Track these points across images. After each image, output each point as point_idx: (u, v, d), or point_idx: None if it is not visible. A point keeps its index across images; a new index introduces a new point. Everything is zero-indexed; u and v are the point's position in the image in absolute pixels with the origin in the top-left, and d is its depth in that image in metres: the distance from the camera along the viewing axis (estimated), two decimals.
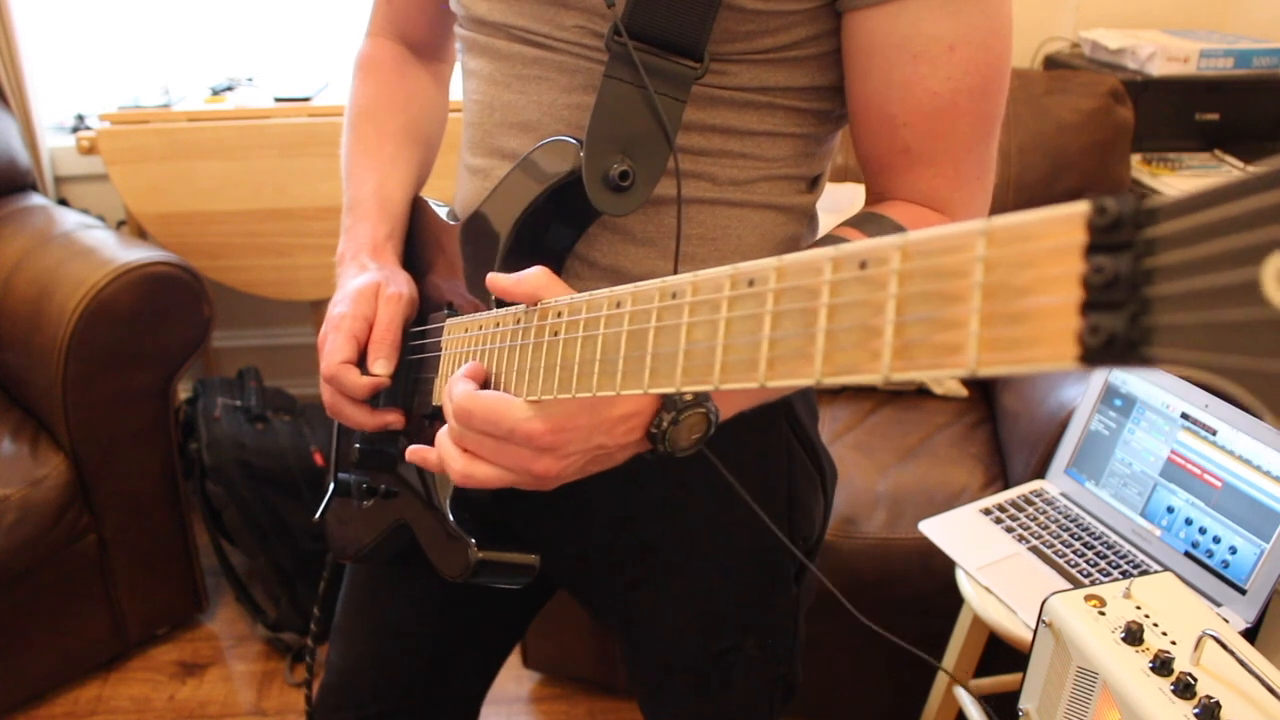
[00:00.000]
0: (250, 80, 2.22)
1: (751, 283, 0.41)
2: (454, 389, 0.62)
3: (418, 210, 0.87)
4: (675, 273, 0.69)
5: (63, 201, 2.22)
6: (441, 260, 0.81)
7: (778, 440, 0.82)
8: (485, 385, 0.65)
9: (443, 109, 0.96)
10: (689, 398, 0.61)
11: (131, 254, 1.70)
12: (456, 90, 0.97)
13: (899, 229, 0.67)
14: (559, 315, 0.57)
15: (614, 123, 0.67)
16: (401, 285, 0.79)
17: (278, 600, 1.89)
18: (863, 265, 0.35)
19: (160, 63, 2.26)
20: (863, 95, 0.69)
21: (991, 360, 0.30)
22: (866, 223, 0.70)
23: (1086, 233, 0.28)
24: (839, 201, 1.90)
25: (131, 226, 2.12)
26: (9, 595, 1.64)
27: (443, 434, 0.64)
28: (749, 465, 0.79)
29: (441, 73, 0.97)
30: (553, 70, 0.72)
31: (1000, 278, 0.30)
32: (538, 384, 0.58)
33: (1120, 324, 0.27)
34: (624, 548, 0.83)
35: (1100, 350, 0.27)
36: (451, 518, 0.73)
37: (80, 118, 2.26)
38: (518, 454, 0.60)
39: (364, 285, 0.78)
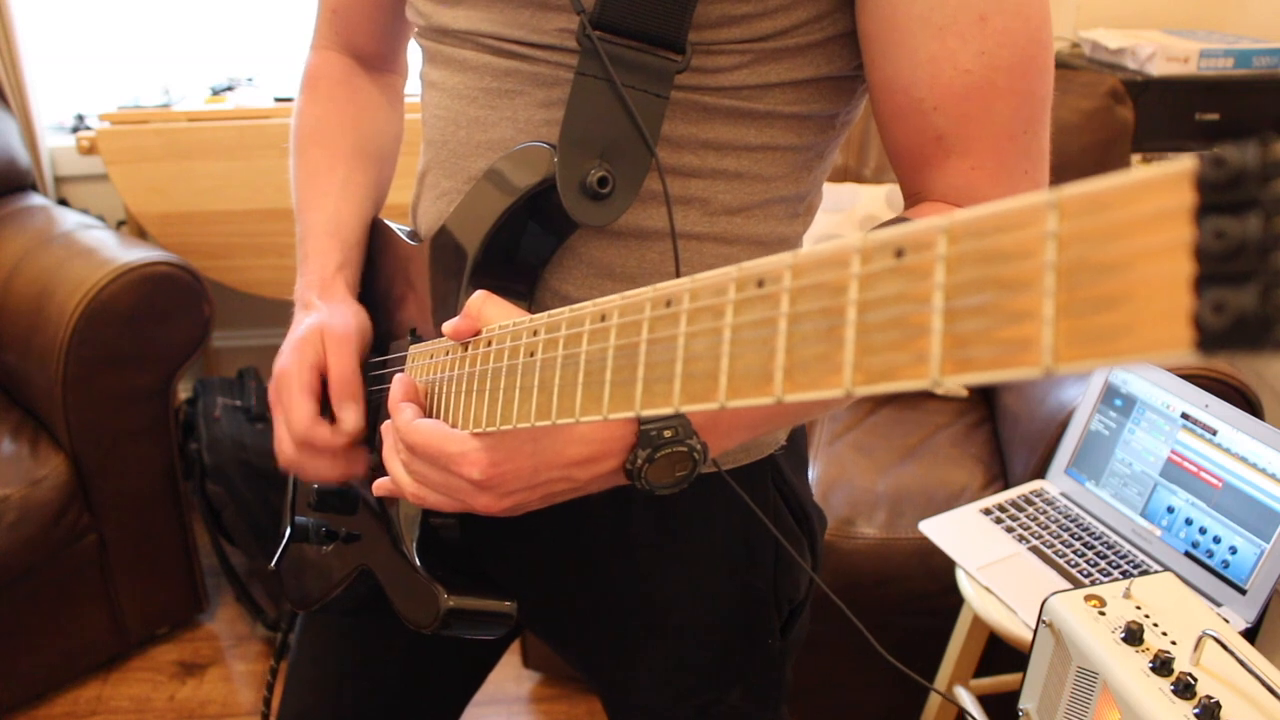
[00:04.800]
0: (250, 80, 2.22)
1: (761, 283, 0.35)
2: (398, 416, 0.60)
3: (377, 233, 0.82)
4: (676, 272, 0.66)
5: (63, 201, 2.22)
6: (404, 285, 0.76)
7: (765, 503, 0.77)
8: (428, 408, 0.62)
9: (397, 124, 0.90)
10: (668, 434, 0.57)
11: (131, 254, 1.70)
12: (410, 90, 0.92)
13: None
14: (488, 344, 0.54)
15: (589, 124, 0.62)
16: (349, 319, 0.74)
17: (278, 600, 1.89)
18: (899, 254, 0.30)
19: (160, 63, 2.27)
20: (885, 78, 0.62)
21: (1075, 354, 0.25)
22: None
23: (1196, 192, 0.23)
24: (839, 201, 1.90)
25: (131, 226, 2.12)
26: (9, 595, 1.64)
27: (391, 455, 0.61)
28: (735, 529, 0.77)
29: (394, 85, 0.91)
30: (528, 83, 0.66)
31: (1078, 255, 0.25)
32: (470, 414, 0.55)
33: (1251, 300, 0.22)
34: (605, 604, 0.80)
35: (1226, 332, 0.23)
36: (419, 563, 0.68)
37: (80, 118, 2.26)
38: (457, 487, 0.57)
39: (307, 331, 0.73)
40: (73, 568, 1.72)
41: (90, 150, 2.03)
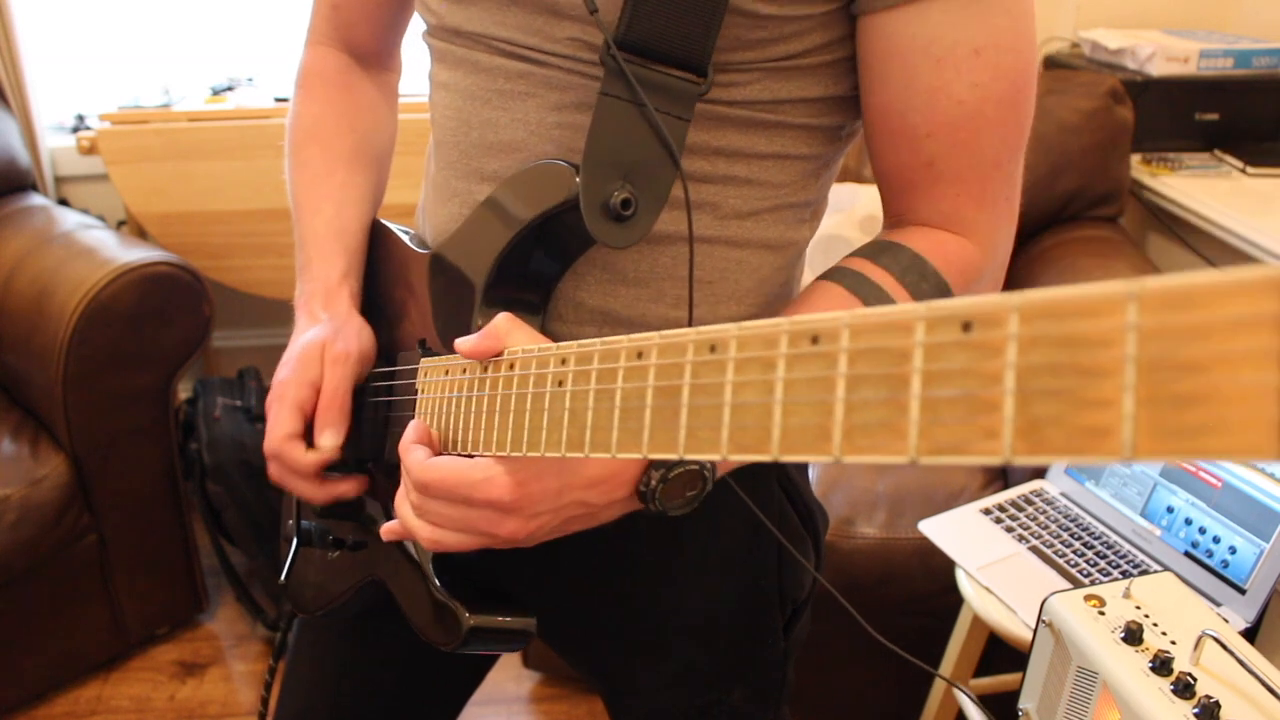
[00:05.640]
0: (250, 80, 2.22)
1: (816, 339, 0.34)
2: (408, 457, 0.59)
3: (379, 237, 0.81)
4: (689, 315, 0.67)
5: (63, 201, 2.22)
6: (409, 293, 0.75)
7: (770, 504, 0.77)
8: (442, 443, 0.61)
9: (393, 124, 0.89)
10: None
11: (131, 254, 1.70)
12: (409, 90, 0.92)
13: (918, 259, 0.64)
14: (510, 368, 0.53)
15: (613, 145, 0.62)
16: (350, 341, 0.73)
17: (278, 600, 1.89)
18: (966, 327, 0.29)
19: (160, 63, 2.27)
20: (882, 104, 0.64)
21: (1155, 448, 0.25)
22: (883, 253, 0.65)
23: None
24: (839, 201, 1.90)
25: (131, 226, 2.12)
26: (9, 595, 1.64)
27: (401, 501, 0.61)
28: (740, 529, 0.77)
29: (389, 83, 0.90)
30: (540, 86, 0.66)
31: (1160, 351, 0.25)
32: (493, 438, 0.54)
33: None
34: (609, 607, 0.80)
35: None
36: (437, 581, 0.67)
37: (80, 118, 2.26)
38: (481, 518, 0.57)
39: (309, 346, 0.73)
40: (73, 568, 1.72)
41: (90, 150, 2.03)
